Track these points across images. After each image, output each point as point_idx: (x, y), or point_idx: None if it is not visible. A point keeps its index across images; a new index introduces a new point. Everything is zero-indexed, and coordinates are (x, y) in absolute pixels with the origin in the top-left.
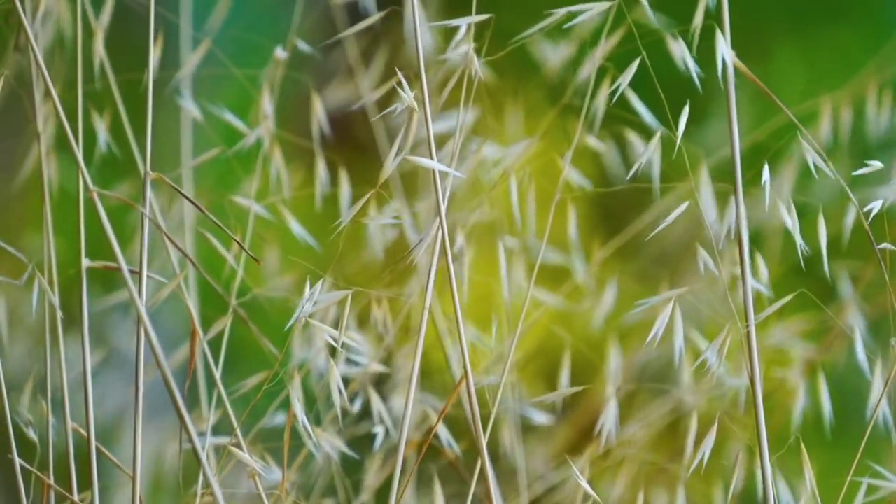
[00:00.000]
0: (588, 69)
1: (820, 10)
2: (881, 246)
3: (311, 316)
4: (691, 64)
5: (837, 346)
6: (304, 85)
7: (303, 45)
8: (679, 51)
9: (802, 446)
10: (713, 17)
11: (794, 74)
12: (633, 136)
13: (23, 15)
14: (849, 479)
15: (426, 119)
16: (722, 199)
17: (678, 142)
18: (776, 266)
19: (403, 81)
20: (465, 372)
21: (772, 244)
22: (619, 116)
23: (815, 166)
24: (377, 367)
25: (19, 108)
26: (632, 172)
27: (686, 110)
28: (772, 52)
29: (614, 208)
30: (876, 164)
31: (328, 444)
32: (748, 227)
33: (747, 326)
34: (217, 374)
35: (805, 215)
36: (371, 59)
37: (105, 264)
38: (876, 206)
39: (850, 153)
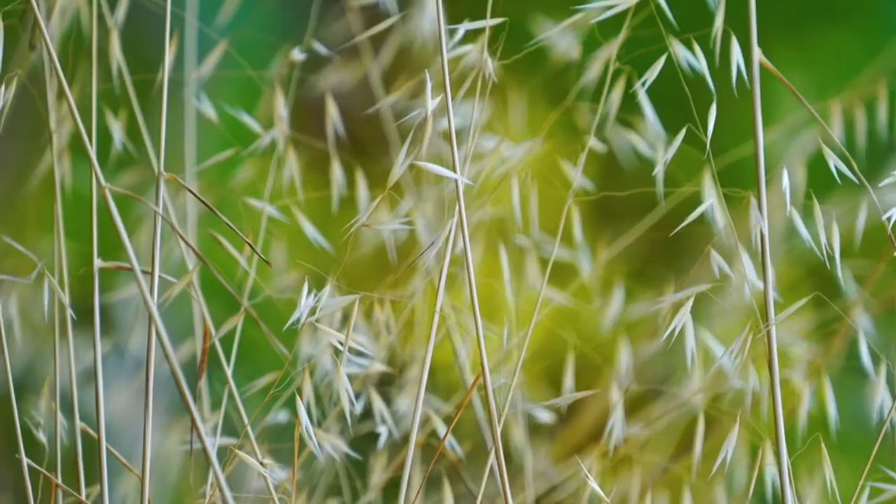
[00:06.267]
0: (597, 69)
1: (818, 11)
2: None
3: (317, 321)
4: (704, 67)
5: (841, 347)
6: (314, 84)
7: (319, 47)
8: (689, 54)
9: (823, 448)
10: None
11: (792, 76)
12: (638, 139)
13: (38, 13)
14: (861, 482)
15: (450, 123)
16: (731, 202)
17: (707, 146)
18: (780, 266)
19: (429, 85)
20: (483, 372)
21: (775, 243)
22: (624, 119)
23: (837, 169)
24: (380, 367)
25: (32, 108)
26: (657, 169)
27: (713, 112)
28: (770, 54)
29: (620, 208)
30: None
31: (331, 445)
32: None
33: (767, 326)
34: (229, 374)
35: (811, 215)
36: (383, 58)
37: (118, 265)
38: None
39: (859, 154)
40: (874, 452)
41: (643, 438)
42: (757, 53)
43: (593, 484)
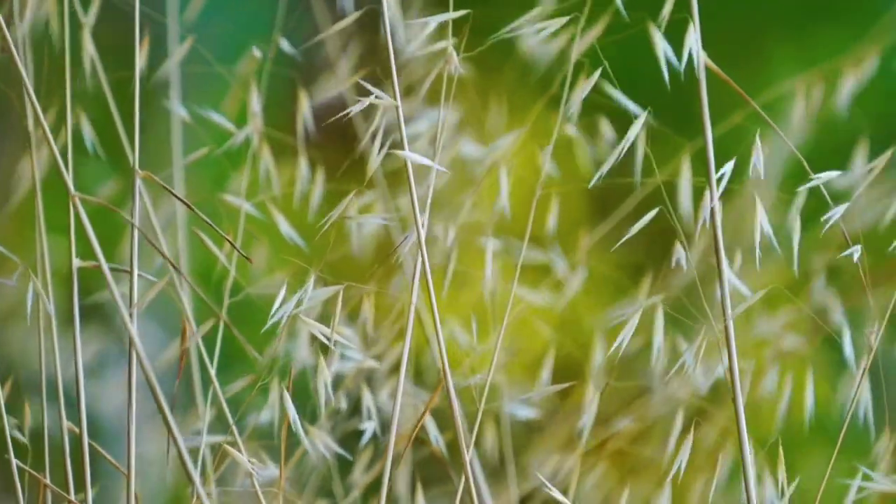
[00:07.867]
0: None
1: (816, 9)
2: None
3: (298, 315)
4: (664, 57)
5: (815, 340)
6: (286, 81)
7: (285, 45)
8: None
9: (780, 448)
10: (687, 10)
11: (792, 74)
12: (608, 127)
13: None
14: (826, 478)
15: (398, 117)
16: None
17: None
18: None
19: (396, 81)
20: (444, 373)
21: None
22: (596, 103)
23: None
24: (370, 363)
25: (10, 108)
26: (620, 156)
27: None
28: (770, 52)
29: (594, 199)
30: (823, 177)
31: (320, 442)
32: (727, 223)
33: (725, 321)
34: (212, 372)
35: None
36: (349, 56)
37: (95, 265)
38: (838, 212)
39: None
40: (837, 447)
41: (627, 433)
42: (701, 56)
43: (555, 493)
